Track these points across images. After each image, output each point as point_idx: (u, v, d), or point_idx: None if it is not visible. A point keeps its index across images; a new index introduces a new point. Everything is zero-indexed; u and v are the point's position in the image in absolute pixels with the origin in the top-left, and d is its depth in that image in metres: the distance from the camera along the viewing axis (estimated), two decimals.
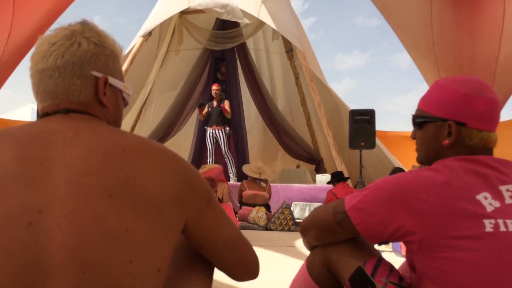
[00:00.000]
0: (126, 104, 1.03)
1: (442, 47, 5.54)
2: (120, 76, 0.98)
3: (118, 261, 0.72)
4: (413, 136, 1.26)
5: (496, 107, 1.13)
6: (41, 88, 0.89)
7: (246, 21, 7.90)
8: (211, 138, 7.99)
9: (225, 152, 7.98)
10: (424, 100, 1.21)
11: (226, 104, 7.89)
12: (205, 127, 8.19)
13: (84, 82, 0.90)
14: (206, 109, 7.98)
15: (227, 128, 8.12)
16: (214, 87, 8.03)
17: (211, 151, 8.02)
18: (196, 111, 9.74)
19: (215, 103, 7.93)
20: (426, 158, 1.20)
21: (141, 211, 0.77)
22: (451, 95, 1.14)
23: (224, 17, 7.91)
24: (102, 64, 0.92)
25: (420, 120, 1.20)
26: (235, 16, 7.73)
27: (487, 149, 1.13)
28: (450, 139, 1.13)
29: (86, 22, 0.94)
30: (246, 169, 6.17)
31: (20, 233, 0.70)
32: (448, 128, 1.13)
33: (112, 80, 0.94)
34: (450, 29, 5.27)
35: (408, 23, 5.82)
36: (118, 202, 0.75)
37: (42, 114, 0.90)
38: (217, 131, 7.95)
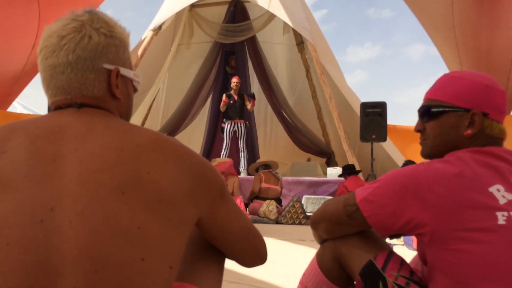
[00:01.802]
0: (135, 91, 1.02)
1: (462, 30, 5.49)
2: (129, 65, 0.97)
3: (130, 259, 0.72)
4: (420, 128, 1.21)
5: (506, 99, 1.14)
6: (52, 83, 0.88)
7: (257, 2, 7.84)
8: (230, 131, 7.95)
9: (242, 146, 7.95)
10: (439, 90, 1.17)
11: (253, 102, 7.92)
12: (225, 120, 8.12)
13: (97, 76, 0.88)
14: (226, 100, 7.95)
15: (247, 122, 8.11)
16: (235, 79, 7.96)
17: (227, 144, 7.96)
18: (207, 105, 9.77)
19: (236, 97, 7.89)
20: (439, 150, 1.15)
21: (153, 208, 0.76)
22: (473, 86, 1.12)
23: None
24: (113, 56, 0.90)
25: (437, 110, 1.15)
26: None
27: (502, 140, 1.13)
28: (473, 129, 1.10)
29: (94, 11, 0.91)
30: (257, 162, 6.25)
31: (32, 230, 0.70)
32: (470, 118, 1.11)
33: (123, 71, 0.93)
34: (470, 11, 5.21)
35: (429, 3, 5.76)
36: (131, 198, 0.75)
37: (54, 108, 0.89)
38: (239, 124, 7.92)
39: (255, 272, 2.60)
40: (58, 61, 0.86)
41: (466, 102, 1.12)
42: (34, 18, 5.09)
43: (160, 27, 8.13)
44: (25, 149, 0.77)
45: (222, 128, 8.15)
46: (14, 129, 0.81)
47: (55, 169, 0.75)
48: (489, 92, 1.11)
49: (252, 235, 1.02)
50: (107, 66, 0.89)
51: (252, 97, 7.93)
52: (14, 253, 0.68)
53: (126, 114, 0.98)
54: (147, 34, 8.13)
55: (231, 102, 7.88)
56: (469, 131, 1.11)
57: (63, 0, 5.56)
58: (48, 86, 0.89)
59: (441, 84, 1.17)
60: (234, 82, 7.92)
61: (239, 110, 7.91)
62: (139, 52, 7.73)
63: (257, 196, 5.84)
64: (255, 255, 1.05)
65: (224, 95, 7.92)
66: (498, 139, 1.12)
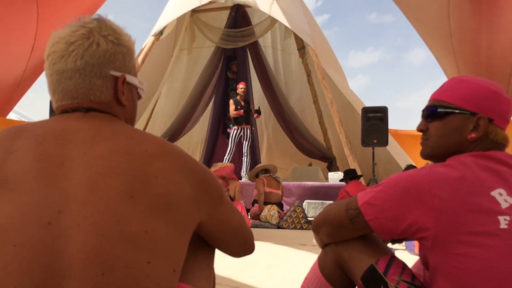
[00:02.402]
0: (139, 98, 1.04)
1: (460, 37, 5.47)
2: (134, 72, 0.99)
3: (137, 263, 0.73)
4: (423, 128, 1.21)
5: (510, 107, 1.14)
6: (59, 88, 0.89)
7: (258, 7, 7.90)
8: (236, 137, 7.98)
9: (246, 150, 7.98)
10: (446, 92, 1.17)
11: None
12: (231, 125, 8.15)
13: (104, 82, 0.90)
14: (234, 106, 7.95)
15: (253, 127, 8.16)
16: (241, 85, 8.03)
17: (232, 149, 7.99)
18: (209, 109, 9.79)
19: (242, 103, 7.94)
20: (440, 152, 1.16)
21: (161, 212, 0.77)
22: (481, 91, 1.12)
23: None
24: (120, 63, 0.92)
25: (444, 111, 1.15)
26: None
27: (504, 146, 1.13)
28: (477, 133, 1.10)
29: (102, 19, 0.93)
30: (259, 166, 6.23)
31: (39, 232, 0.70)
32: (475, 122, 1.11)
33: (129, 78, 0.95)
34: (468, 17, 5.20)
35: (425, 14, 5.77)
36: (139, 202, 0.76)
37: (60, 112, 0.90)
38: (245, 130, 7.97)
39: (257, 277, 2.60)
40: (66, 66, 0.88)
41: (473, 105, 1.11)
42: (32, 21, 5.08)
43: (161, 32, 8.15)
44: (33, 151, 0.78)
45: (228, 134, 8.17)
46: (21, 131, 0.82)
47: (64, 172, 0.76)
48: (496, 98, 1.11)
49: (244, 230, 1.06)
50: (114, 73, 0.91)
51: (258, 113, 7.97)
52: (20, 255, 0.69)
53: (131, 120, 1.00)
54: (149, 39, 8.15)
55: (238, 107, 7.91)
56: (473, 135, 1.11)
57: (62, 1, 5.56)
58: (55, 90, 0.90)
59: (449, 86, 1.17)
60: (241, 88, 7.97)
61: (246, 116, 7.96)
62: (141, 57, 7.74)
63: (257, 201, 5.84)
64: (245, 247, 1.10)
65: (231, 101, 7.96)
66: (500, 145, 1.12)
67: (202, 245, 1.04)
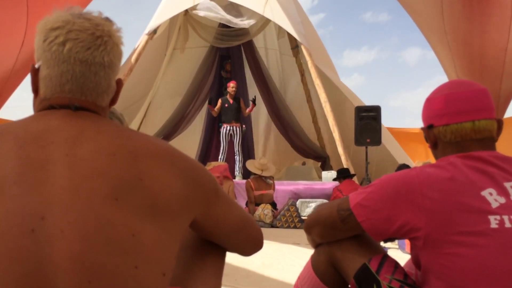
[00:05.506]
0: None
1: (454, 36, 5.50)
2: None
3: (124, 267, 0.70)
4: None
5: (457, 98, 1.12)
6: (73, 78, 0.84)
7: (247, 23, 7.93)
8: (227, 135, 7.97)
9: (237, 149, 7.97)
10: None
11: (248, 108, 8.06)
12: (220, 123, 8.14)
13: (115, 84, 0.90)
14: (219, 105, 7.95)
15: (243, 126, 8.15)
16: (232, 84, 8.04)
17: (224, 148, 7.97)
18: (203, 108, 9.75)
19: (231, 100, 7.94)
20: None
21: (147, 214, 0.75)
22: (424, 104, 1.20)
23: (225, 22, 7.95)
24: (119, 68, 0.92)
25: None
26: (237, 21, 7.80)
27: (473, 141, 1.11)
28: (429, 143, 1.20)
29: (111, 21, 0.90)
30: (249, 165, 6.12)
31: (23, 240, 0.67)
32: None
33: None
34: (460, 17, 5.22)
35: (422, 10, 5.79)
36: (125, 205, 0.73)
37: (48, 106, 0.85)
38: (234, 128, 7.95)
39: (251, 276, 2.61)
40: (94, 60, 0.84)
41: (423, 119, 1.21)
42: (22, 15, 4.99)
43: (155, 31, 8.09)
44: (14, 155, 0.74)
45: (220, 132, 8.17)
46: (2, 134, 0.78)
47: (46, 175, 0.73)
48: (428, 105, 1.18)
49: (248, 225, 1.04)
50: (118, 76, 0.91)
51: (253, 102, 7.96)
52: (4, 264, 0.66)
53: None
54: (142, 38, 8.10)
55: (226, 105, 7.91)
56: (428, 145, 1.21)
57: None
58: (61, 79, 0.84)
59: None
60: (231, 87, 7.97)
61: (235, 113, 7.94)
62: (134, 56, 7.69)
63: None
64: (253, 243, 1.07)
65: (220, 99, 7.97)
66: (464, 142, 1.11)
67: (212, 252, 1.02)
